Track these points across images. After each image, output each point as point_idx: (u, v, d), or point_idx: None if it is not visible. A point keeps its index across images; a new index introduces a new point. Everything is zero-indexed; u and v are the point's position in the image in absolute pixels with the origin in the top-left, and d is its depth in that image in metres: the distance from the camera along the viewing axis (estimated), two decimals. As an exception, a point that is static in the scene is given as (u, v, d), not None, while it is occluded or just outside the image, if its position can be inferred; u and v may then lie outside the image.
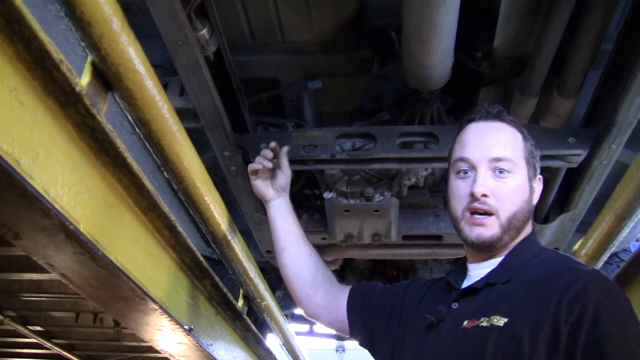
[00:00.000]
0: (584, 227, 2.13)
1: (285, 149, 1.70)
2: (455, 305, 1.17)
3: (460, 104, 2.06)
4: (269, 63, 1.94)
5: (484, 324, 1.05)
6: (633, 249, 2.85)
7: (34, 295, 2.98)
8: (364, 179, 2.06)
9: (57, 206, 1.02)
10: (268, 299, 2.44)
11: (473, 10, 1.56)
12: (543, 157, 1.74)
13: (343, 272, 3.23)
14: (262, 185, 1.66)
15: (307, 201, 2.32)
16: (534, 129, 1.77)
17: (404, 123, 1.97)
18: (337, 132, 1.84)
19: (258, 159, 1.66)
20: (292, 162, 1.87)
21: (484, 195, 1.17)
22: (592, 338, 0.95)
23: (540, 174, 1.29)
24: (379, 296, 1.44)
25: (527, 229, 1.24)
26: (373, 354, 1.42)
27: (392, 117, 2.04)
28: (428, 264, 3.20)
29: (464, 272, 1.25)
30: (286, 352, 3.34)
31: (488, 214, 1.17)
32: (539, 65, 1.65)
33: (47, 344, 3.76)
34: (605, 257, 2.01)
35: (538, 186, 1.27)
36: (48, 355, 4.06)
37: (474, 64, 1.83)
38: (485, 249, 1.20)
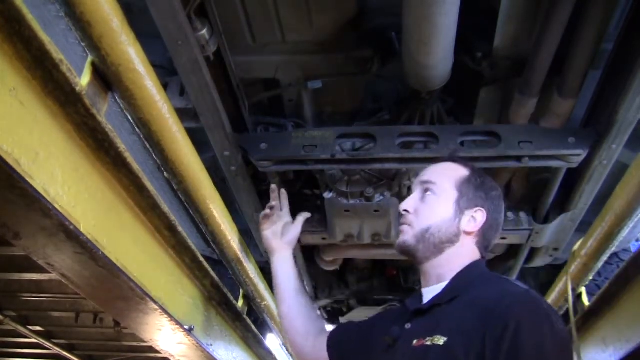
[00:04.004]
0: (584, 227, 2.13)
1: (284, 192, 1.90)
2: (408, 326, 1.28)
3: (460, 104, 2.06)
4: (269, 63, 1.94)
5: (428, 342, 1.15)
6: (633, 249, 2.85)
7: (34, 295, 2.98)
8: (364, 179, 2.06)
9: (57, 206, 1.02)
10: (268, 299, 2.44)
11: (473, 10, 1.55)
12: (543, 157, 1.76)
13: (343, 272, 3.22)
14: (269, 237, 1.83)
15: (307, 201, 2.32)
16: (534, 130, 1.78)
17: (404, 123, 1.97)
18: (337, 132, 1.84)
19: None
20: (292, 162, 1.88)
21: (405, 211, 1.38)
22: (511, 353, 1.03)
23: (483, 208, 1.36)
24: (354, 333, 1.55)
25: (467, 254, 1.34)
26: None
27: (392, 117, 2.04)
28: (428, 264, 3.19)
29: (420, 296, 1.37)
30: (286, 352, 3.34)
31: (407, 225, 1.37)
32: (539, 65, 1.65)
33: (47, 344, 3.76)
34: (605, 257, 2.01)
35: (479, 216, 1.35)
36: (48, 355, 4.06)
37: (474, 64, 1.83)
38: (404, 254, 1.37)
